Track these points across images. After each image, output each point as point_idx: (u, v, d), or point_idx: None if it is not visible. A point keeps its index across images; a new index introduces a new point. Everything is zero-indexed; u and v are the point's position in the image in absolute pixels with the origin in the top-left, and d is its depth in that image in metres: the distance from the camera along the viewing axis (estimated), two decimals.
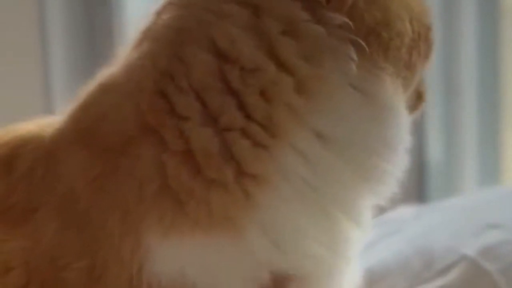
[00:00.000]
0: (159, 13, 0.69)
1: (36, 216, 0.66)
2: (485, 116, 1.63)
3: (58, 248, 0.66)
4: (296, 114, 0.65)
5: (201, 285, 0.64)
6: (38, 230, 0.66)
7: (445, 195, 1.51)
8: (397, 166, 0.69)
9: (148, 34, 0.69)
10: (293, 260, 0.66)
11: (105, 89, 0.68)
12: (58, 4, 1.74)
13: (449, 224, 1.08)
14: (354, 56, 0.65)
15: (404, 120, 0.69)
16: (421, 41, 0.70)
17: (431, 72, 1.61)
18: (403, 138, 0.70)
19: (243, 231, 0.64)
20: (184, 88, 0.65)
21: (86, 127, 0.67)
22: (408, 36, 0.69)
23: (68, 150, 0.67)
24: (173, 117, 0.64)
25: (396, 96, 0.68)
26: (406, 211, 1.17)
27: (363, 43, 0.66)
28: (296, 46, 0.65)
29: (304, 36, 0.65)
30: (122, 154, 0.65)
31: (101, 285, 0.65)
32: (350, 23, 0.65)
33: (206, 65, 0.65)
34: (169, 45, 0.66)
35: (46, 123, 0.71)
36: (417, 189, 1.59)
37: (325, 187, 0.66)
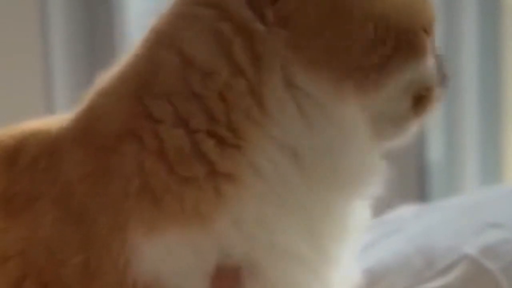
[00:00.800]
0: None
1: (36, 207, 0.68)
2: (486, 115, 1.63)
3: (55, 241, 0.67)
4: (254, 119, 0.65)
5: (177, 283, 0.66)
6: (36, 220, 0.67)
7: (447, 195, 1.51)
8: (369, 172, 0.69)
9: (143, 37, 0.70)
10: (264, 255, 0.66)
11: (103, 91, 0.70)
12: (59, 4, 1.74)
13: (450, 223, 1.08)
14: (292, 57, 0.65)
15: (362, 128, 0.67)
16: (390, 41, 0.67)
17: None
18: (366, 146, 0.68)
19: (214, 225, 0.65)
20: (157, 92, 0.66)
21: (84, 126, 0.69)
22: (364, 37, 0.66)
23: (68, 147, 0.68)
24: (150, 120, 0.66)
25: (351, 101, 0.66)
26: (407, 211, 1.17)
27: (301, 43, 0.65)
28: (246, 47, 0.65)
29: (252, 37, 0.65)
30: (111, 152, 0.67)
31: (95, 282, 0.66)
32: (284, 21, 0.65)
33: (173, 69, 0.66)
34: (148, 48, 0.68)
35: (53, 120, 0.72)
36: (418, 188, 1.59)
37: (296, 190, 0.67)
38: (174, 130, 0.65)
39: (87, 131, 0.69)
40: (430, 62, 0.71)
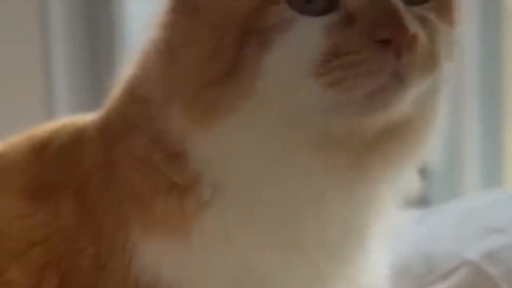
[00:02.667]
0: None
1: (59, 195, 0.70)
2: (487, 120, 1.62)
3: (73, 230, 0.69)
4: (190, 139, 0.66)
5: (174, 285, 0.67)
6: (59, 208, 0.70)
7: (447, 200, 1.50)
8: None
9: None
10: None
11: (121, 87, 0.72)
12: (59, 6, 1.74)
13: (451, 228, 1.07)
14: None
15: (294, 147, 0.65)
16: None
17: None
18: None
19: (187, 234, 0.66)
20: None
21: (104, 117, 0.72)
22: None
23: (91, 134, 0.71)
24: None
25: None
26: (408, 215, 1.17)
27: None
28: None
29: None
30: (113, 148, 0.69)
31: (104, 276, 0.67)
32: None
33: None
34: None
35: (85, 116, 0.75)
36: (420, 193, 1.58)
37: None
38: (140, 138, 0.67)
39: (104, 122, 0.71)
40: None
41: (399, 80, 0.62)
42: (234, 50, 0.62)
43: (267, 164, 0.64)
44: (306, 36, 0.62)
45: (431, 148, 0.71)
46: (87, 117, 0.74)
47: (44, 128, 0.75)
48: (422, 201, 1.59)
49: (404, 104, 0.64)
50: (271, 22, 0.62)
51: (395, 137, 0.66)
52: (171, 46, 0.65)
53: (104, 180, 0.69)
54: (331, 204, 0.66)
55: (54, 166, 0.72)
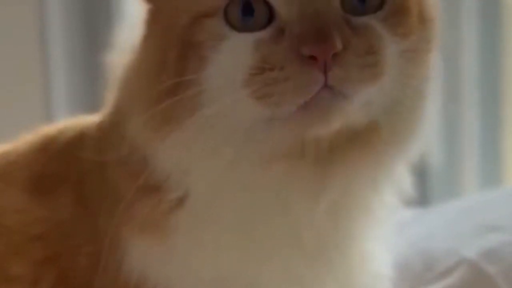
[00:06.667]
0: None
1: (59, 190, 0.71)
2: (486, 119, 1.62)
3: (72, 226, 0.70)
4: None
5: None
6: (58, 203, 0.71)
7: (447, 198, 1.50)
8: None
9: None
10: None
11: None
12: (57, 8, 1.74)
13: (450, 226, 1.07)
14: None
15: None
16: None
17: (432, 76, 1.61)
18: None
19: (164, 236, 0.67)
20: None
21: (102, 119, 0.73)
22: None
23: (91, 136, 0.72)
24: None
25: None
26: (407, 214, 1.17)
27: None
28: None
29: None
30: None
31: (99, 273, 0.68)
32: None
33: None
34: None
35: (90, 117, 0.77)
36: (419, 192, 1.58)
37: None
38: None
39: (101, 124, 0.73)
40: None
41: (332, 93, 0.61)
42: (177, 63, 0.63)
43: (222, 175, 0.65)
44: (238, 50, 0.62)
45: (422, 148, 0.71)
46: (93, 117, 0.75)
47: (53, 126, 0.77)
48: (421, 200, 1.60)
49: (352, 113, 0.63)
50: (205, 36, 0.63)
51: (358, 144, 0.65)
52: (136, 62, 0.67)
53: (99, 179, 0.69)
54: (297, 211, 0.66)
55: (57, 162, 0.73)
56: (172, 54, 0.63)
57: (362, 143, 0.65)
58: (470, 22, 1.60)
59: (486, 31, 1.61)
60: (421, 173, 1.60)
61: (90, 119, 0.76)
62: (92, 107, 0.77)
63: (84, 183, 0.71)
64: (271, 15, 0.62)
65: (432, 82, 0.69)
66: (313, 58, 0.59)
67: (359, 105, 0.63)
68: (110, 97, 0.71)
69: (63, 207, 0.71)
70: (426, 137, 0.71)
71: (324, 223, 0.67)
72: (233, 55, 0.62)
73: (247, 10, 0.62)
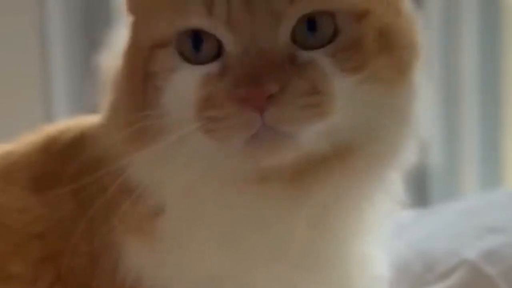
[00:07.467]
0: None
1: (59, 188, 0.71)
2: (486, 120, 1.63)
3: (70, 225, 0.69)
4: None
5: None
6: (57, 201, 0.71)
7: (447, 200, 1.50)
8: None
9: None
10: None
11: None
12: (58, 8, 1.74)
13: (450, 228, 1.08)
14: None
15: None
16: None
17: (432, 77, 1.61)
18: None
19: (152, 239, 0.67)
20: None
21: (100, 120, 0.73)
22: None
23: (91, 137, 0.72)
24: None
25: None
26: (407, 215, 1.17)
27: None
28: None
29: None
30: None
31: (96, 274, 0.69)
32: None
33: None
34: None
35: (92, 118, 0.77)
36: (419, 193, 1.58)
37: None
38: None
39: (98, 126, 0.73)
40: None
41: (273, 131, 0.61)
42: (140, 91, 0.65)
43: (194, 191, 0.66)
44: (187, 83, 0.63)
45: (415, 156, 0.70)
46: (94, 118, 0.76)
47: (55, 126, 0.77)
48: (421, 201, 1.60)
49: (306, 145, 0.63)
50: (159, 67, 0.64)
51: (331, 165, 0.64)
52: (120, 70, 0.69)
53: (95, 180, 0.69)
54: (275, 227, 0.66)
55: (57, 162, 0.73)
56: (137, 82, 0.66)
57: (336, 164, 0.64)
58: (470, 22, 1.60)
59: (486, 31, 1.61)
60: (421, 175, 1.60)
61: (91, 120, 0.76)
62: (92, 108, 0.77)
63: (81, 183, 0.71)
64: (219, 49, 0.63)
65: (420, 95, 0.68)
66: (246, 99, 0.60)
67: (312, 137, 0.63)
68: (104, 100, 0.71)
69: (61, 206, 0.71)
70: (421, 143, 0.71)
71: (309, 235, 0.67)
72: (183, 87, 0.64)
73: (198, 42, 0.63)
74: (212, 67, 0.63)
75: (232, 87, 0.60)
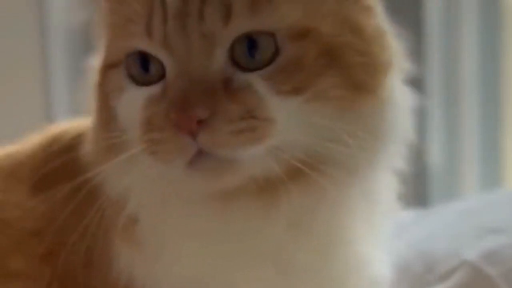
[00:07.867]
0: None
1: (58, 186, 0.71)
2: (486, 120, 1.63)
3: (67, 223, 0.70)
4: None
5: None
6: (56, 199, 0.71)
7: (447, 200, 1.50)
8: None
9: None
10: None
11: None
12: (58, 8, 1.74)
13: (450, 228, 1.07)
14: None
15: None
16: None
17: (432, 77, 1.61)
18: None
19: (138, 244, 0.68)
20: None
21: None
22: None
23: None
24: None
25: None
26: (407, 216, 1.17)
27: None
28: None
29: None
30: None
31: (92, 275, 0.69)
32: None
33: None
34: None
35: None
36: (419, 194, 1.58)
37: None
38: None
39: None
40: None
41: (210, 156, 0.61)
42: (105, 107, 0.67)
43: (162, 202, 0.67)
44: (133, 104, 0.64)
45: (402, 156, 0.70)
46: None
47: (59, 126, 0.79)
48: (421, 202, 1.60)
49: (252, 167, 0.62)
50: (111, 87, 0.66)
51: (286, 185, 0.64)
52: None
53: (90, 180, 0.70)
54: (252, 236, 0.66)
55: (57, 159, 0.74)
56: (101, 99, 0.68)
57: (290, 185, 0.64)
58: (470, 22, 1.60)
59: (486, 31, 1.61)
60: (421, 175, 1.60)
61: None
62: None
63: (77, 183, 0.71)
64: (163, 72, 0.63)
65: (398, 105, 0.67)
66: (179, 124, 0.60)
67: (256, 160, 0.62)
68: (90, 104, 0.72)
69: (60, 204, 0.71)
70: (411, 146, 0.70)
71: (287, 240, 0.67)
72: (130, 108, 0.65)
73: (146, 63, 0.63)
74: (156, 89, 0.63)
75: (166, 111, 0.61)
